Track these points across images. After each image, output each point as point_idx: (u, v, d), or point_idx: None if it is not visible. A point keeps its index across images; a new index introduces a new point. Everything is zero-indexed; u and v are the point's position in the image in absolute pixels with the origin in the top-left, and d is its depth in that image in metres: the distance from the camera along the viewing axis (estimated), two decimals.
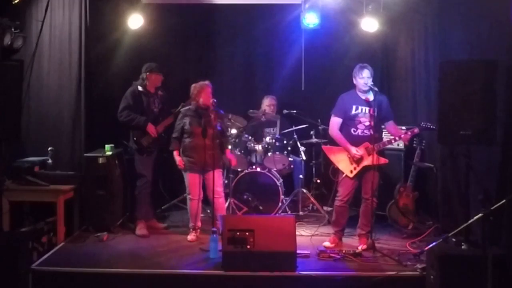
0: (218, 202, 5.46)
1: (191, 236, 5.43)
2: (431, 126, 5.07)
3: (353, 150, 5.03)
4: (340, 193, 5.18)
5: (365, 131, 5.06)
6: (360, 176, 5.10)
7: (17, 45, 5.62)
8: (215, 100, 5.36)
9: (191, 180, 5.42)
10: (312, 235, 5.56)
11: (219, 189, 5.49)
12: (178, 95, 5.85)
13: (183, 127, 5.42)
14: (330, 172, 5.54)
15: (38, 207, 5.48)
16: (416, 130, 5.15)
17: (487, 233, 3.55)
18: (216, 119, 5.39)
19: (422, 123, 5.21)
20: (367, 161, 5.01)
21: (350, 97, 5.16)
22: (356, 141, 5.08)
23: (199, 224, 5.49)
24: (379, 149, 5.09)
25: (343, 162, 5.12)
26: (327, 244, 5.18)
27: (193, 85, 5.46)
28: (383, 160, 5.11)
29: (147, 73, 5.61)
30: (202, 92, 5.38)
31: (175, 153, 5.48)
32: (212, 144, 5.32)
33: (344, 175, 5.12)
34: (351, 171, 5.08)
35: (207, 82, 5.46)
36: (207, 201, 5.87)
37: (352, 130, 5.10)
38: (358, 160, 5.05)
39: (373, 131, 5.02)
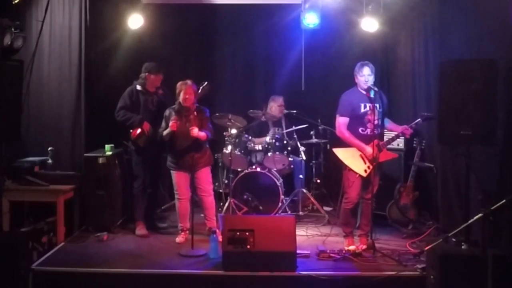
0: (207, 201, 5.43)
1: (179, 238, 5.39)
2: (432, 115, 5.03)
3: (370, 150, 4.90)
4: (351, 195, 5.03)
5: (374, 130, 4.92)
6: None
7: (17, 45, 5.62)
8: (187, 96, 5.21)
9: (178, 179, 5.36)
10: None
11: (208, 186, 5.44)
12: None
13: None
14: (345, 176, 5.20)
15: (38, 207, 5.47)
16: (419, 121, 5.08)
17: (487, 233, 3.55)
18: (198, 118, 5.29)
19: (424, 113, 5.15)
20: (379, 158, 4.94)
21: (355, 95, 5.06)
22: (365, 140, 4.96)
23: (187, 225, 5.39)
24: (388, 144, 5.08)
25: (356, 162, 4.97)
26: (352, 247, 5.01)
27: (177, 84, 5.34)
28: (393, 155, 5.13)
29: (146, 74, 5.61)
30: (181, 92, 5.24)
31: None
32: (196, 144, 5.26)
33: (357, 176, 4.98)
34: (365, 171, 4.95)
35: (188, 81, 5.28)
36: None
37: (360, 129, 4.99)
38: (372, 159, 4.92)
39: (380, 128, 4.99)
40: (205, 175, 5.41)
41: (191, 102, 5.25)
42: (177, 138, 5.28)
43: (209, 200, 5.46)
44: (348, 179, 5.05)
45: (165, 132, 5.25)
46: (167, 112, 5.37)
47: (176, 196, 5.43)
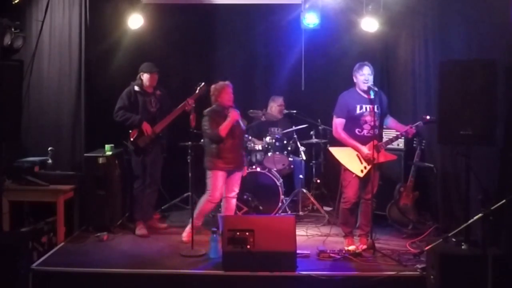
0: (231, 202, 5.48)
1: (186, 236, 5.35)
2: (433, 119, 5.02)
3: (366, 150, 4.90)
4: (348, 194, 5.03)
5: (370, 131, 4.92)
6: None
7: (17, 45, 5.63)
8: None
9: (219, 180, 5.28)
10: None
11: (237, 189, 5.50)
12: (178, 95, 5.84)
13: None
14: (342, 176, 5.19)
15: (38, 207, 5.48)
16: (420, 124, 5.08)
17: (487, 233, 3.55)
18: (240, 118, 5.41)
19: (427, 116, 5.12)
20: (376, 159, 4.92)
21: (352, 96, 5.06)
22: (361, 141, 4.96)
23: (199, 224, 5.43)
24: (387, 145, 5.08)
25: (352, 162, 4.97)
26: (352, 247, 4.99)
27: (213, 86, 5.38)
28: (391, 156, 5.11)
29: (142, 73, 5.62)
30: (223, 92, 5.31)
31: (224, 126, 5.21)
32: (241, 143, 5.48)
33: (354, 176, 4.98)
34: (362, 171, 4.95)
35: (227, 82, 5.39)
36: None
37: (356, 130, 4.99)
38: (369, 159, 4.91)
39: (378, 129, 4.97)
40: (238, 177, 5.46)
41: (233, 102, 5.36)
42: (227, 139, 5.25)
43: (233, 202, 5.51)
44: (345, 179, 5.07)
45: (224, 126, 5.19)
46: (208, 115, 5.31)
47: (208, 197, 5.32)
